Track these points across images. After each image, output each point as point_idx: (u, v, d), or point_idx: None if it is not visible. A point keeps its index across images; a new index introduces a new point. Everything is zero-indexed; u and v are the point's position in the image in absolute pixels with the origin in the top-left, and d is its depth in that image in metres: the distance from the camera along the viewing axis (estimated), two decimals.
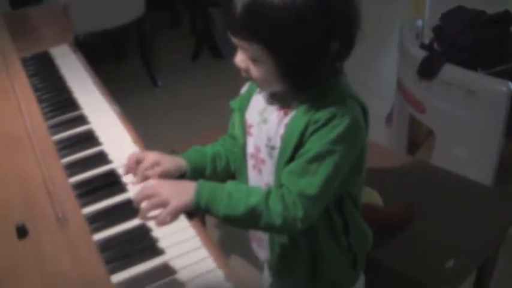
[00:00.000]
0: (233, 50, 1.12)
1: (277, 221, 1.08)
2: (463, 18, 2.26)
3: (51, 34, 1.94)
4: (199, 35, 4.08)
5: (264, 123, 1.17)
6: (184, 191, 1.10)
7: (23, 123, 1.33)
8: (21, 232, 0.98)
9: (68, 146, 1.32)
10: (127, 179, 1.20)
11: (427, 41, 2.49)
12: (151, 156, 1.20)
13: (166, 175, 1.18)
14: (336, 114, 1.07)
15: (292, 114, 1.12)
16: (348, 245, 1.24)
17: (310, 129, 1.08)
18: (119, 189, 1.17)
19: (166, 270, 0.96)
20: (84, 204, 1.11)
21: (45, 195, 1.09)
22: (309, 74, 1.06)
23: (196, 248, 1.01)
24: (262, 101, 1.19)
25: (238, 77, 1.18)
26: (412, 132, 2.66)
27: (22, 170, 1.19)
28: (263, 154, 1.19)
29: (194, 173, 1.23)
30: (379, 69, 3.80)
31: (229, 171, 1.30)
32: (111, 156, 1.28)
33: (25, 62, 1.76)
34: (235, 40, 1.07)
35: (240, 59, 1.10)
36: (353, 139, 1.10)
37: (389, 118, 2.86)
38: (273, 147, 1.16)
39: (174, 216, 1.07)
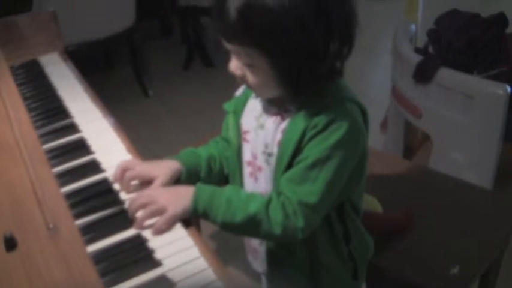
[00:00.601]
0: (224, 59, 1.09)
1: (277, 230, 1.05)
2: (458, 21, 2.24)
3: (40, 42, 1.90)
4: (190, 44, 4.07)
5: (260, 129, 1.14)
6: (182, 197, 1.07)
7: (12, 132, 1.29)
8: (10, 244, 0.93)
9: (59, 154, 1.28)
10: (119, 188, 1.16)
11: (420, 45, 2.47)
12: (142, 168, 1.17)
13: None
14: (334, 118, 1.04)
15: (289, 119, 1.10)
16: (348, 254, 1.22)
17: (309, 134, 1.05)
18: (113, 198, 1.13)
19: (164, 282, 0.92)
20: (77, 214, 1.07)
21: (35, 205, 1.05)
22: (308, 77, 1.03)
23: (195, 259, 0.97)
24: (259, 106, 1.16)
25: (230, 86, 1.16)
26: (407, 137, 2.64)
27: (11, 179, 1.15)
28: (260, 161, 1.16)
29: (189, 176, 1.20)
30: (371, 74, 3.79)
31: (224, 173, 1.27)
32: (103, 165, 1.24)
33: (14, 70, 1.72)
34: (230, 46, 1.04)
35: (235, 66, 1.07)
36: (353, 143, 1.07)
37: (384, 124, 2.85)
38: (270, 154, 1.13)
39: (171, 224, 1.03)
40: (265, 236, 1.12)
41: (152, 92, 3.68)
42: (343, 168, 1.07)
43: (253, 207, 1.06)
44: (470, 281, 1.36)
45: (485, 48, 2.18)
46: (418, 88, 2.26)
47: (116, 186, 1.16)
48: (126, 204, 1.10)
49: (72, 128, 1.40)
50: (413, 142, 2.69)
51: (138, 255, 0.97)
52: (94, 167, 1.23)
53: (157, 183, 1.14)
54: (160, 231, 1.02)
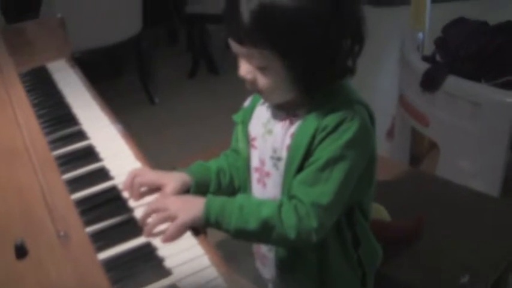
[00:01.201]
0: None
1: (292, 234, 1.05)
2: (465, 30, 2.24)
3: (48, 49, 1.91)
4: (196, 52, 4.08)
5: (268, 134, 1.14)
6: (193, 206, 1.06)
7: (22, 138, 1.29)
8: (21, 251, 0.93)
9: (68, 161, 1.28)
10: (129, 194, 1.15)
11: (428, 53, 2.47)
12: (152, 176, 1.16)
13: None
14: (344, 118, 1.04)
15: (298, 123, 1.10)
16: (357, 260, 1.21)
17: (319, 136, 1.05)
18: (123, 206, 1.12)
19: None
20: (87, 222, 1.06)
21: (45, 211, 1.04)
22: (321, 75, 1.04)
23: (205, 268, 0.96)
24: (266, 112, 1.16)
25: (235, 93, 1.16)
26: (414, 145, 2.63)
27: (21, 186, 1.14)
28: (268, 167, 1.16)
29: (198, 188, 1.19)
30: (376, 82, 3.78)
31: (233, 187, 1.26)
32: (112, 173, 1.23)
33: (22, 76, 1.72)
34: (242, 50, 1.04)
35: (246, 70, 1.07)
36: (363, 143, 1.08)
37: (390, 132, 2.84)
38: (278, 159, 1.13)
39: (181, 232, 1.03)
40: (280, 241, 1.11)
41: (158, 99, 3.69)
42: (354, 169, 1.07)
43: (265, 212, 1.05)
44: None
45: (493, 56, 2.17)
46: (426, 96, 2.25)
47: (126, 194, 1.15)
48: (136, 212, 1.09)
49: (81, 135, 1.40)
50: (420, 150, 2.68)
51: (148, 264, 0.96)
52: (103, 174, 1.23)
53: (166, 190, 1.13)
54: (170, 238, 1.01)
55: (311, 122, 1.07)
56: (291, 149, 1.10)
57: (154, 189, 1.15)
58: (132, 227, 1.05)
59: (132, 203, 1.13)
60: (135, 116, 3.39)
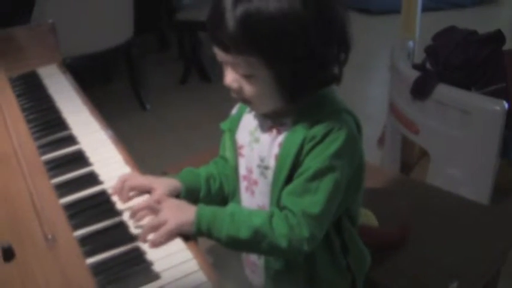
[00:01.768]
0: (221, 74, 1.09)
1: (283, 243, 1.04)
2: (456, 38, 2.25)
3: (39, 54, 1.90)
4: (188, 59, 4.08)
5: (255, 142, 1.14)
6: (184, 212, 1.06)
7: (11, 142, 1.29)
8: (8, 254, 0.92)
9: (57, 166, 1.27)
10: (118, 200, 1.15)
11: (418, 62, 2.48)
12: (142, 181, 1.16)
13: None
14: (332, 128, 1.04)
15: (285, 132, 1.10)
16: (346, 266, 1.21)
17: (307, 146, 1.05)
18: (111, 210, 1.12)
19: None
20: (75, 226, 1.06)
21: (33, 215, 1.04)
22: (307, 83, 1.04)
23: (193, 272, 0.95)
24: (253, 120, 1.16)
25: (226, 101, 1.16)
26: (404, 153, 2.64)
27: (9, 190, 1.14)
28: (255, 175, 1.16)
29: (188, 194, 1.19)
30: (367, 90, 3.80)
31: (223, 193, 1.26)
32: (101, 177, 1.23)
33: (12, 81, 1.72)
34: (227, 58, 1.03)
35: (232, 79, 1.06)
36: (351, 152, 1.08)
37: (381, 140, 2.85)
38: (266, 167, 1.13)
39: (168, 238, 1.02)
40: (271, 251, 1.11)
41: (149, 106, 3.68)
42: (343, 178, 1.07)
43: (257, 221, 1.05)
44: None
45: (483, 65, 2.18)
46: (416, 104, 2.26)
47: (115, 199, 1.15)
48: (125, 217, 1.09)
49: (71, 139, 1.39)
50: (411, 158, 2.69)
51: (136, 268, 0.96)
52: (92, 178, 1.23)
53: (156, 193, 1.13)
54: (156, 244, 1.01)
55: (299, 131, 1.07)
56: (279, 158, 1.10)
57: (144, 193, 1.15)
58: (121, 232, 1.05)
59: (120, 206, 1.13)
60: (126, 122, 3.39)
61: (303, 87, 1.04)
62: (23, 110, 1.54)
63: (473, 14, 4.87)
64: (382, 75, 3.37)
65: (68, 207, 1.12)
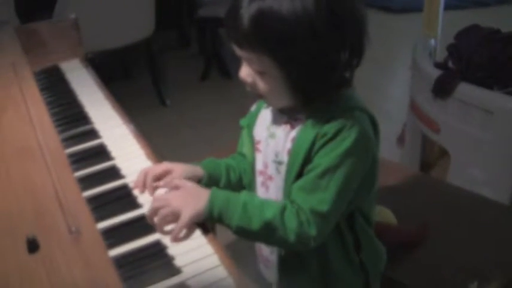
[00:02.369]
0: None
1: (291, 237, 1.05)
2: (478, 37, 2.23)
3: (62, 49, 1.92)
4: (208, 55, 4.09)
5: (271, 138, 1.15)
6: (196, 199, 1.06)
7: (35, 136, 1.30)
8: (32, 246, 0.93)
9: (80, 159, 1.29)
10: (139, 194, 1.16)
11: (440, 60, 2.46)
12: (161, 166, 1.18)
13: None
14: (343, 126, 1.04)
15: (298, 128, 1.10)
16: (359, 263, 1.21)
17: (318, 143, 1.05)
18: (133, 204, 1.13)
19: None
20: (99, 219, 1.07)
21: (57, 208, 1.05)
22: (318, 85, 1.04)
23: (214, 267, 0.96)
24: (269, 115, 1.17)
25: (246, 97, 1.16)
26: (424, 152, 2.62)
27: (34, 182, 1.15)
28: (271, 170, 1.17)
29: (210, 181, 1.21)
30: (388, 88, 3.78)
31: (242, 184, 1.27)
32: (123, 171, 1.24)
33: (36, 75, 1.73)
34: (241, 53, 1.04)
35: (246, 73, 1.07)
36: (363, 151, 1.07)
37: (401, 138, 2.83)
38: (280, 163, 1.13)
39: (188, 229, 1.03)
40: (279, 243, 1.12)
41: (169, 102, 3.70)
42: (353, 176, 1.07)
43: (268, 214, 1.05)
44: None
45: (506, 64, 2.16)
46: (437, 103, 2.24)
47: (136, 192, 1.16)
48: (146, 210, 1.10)
49: (93, 133, 1.41)
50: (431, 157, 2.67)
51: (158, 262, 0.97)
52: (114, 172, 1.24)
53: (174, 175, 1.15)
54: (177, 238, 1.02)
55: (311, 127, 1.07)
56: (291, 153, 1.10)
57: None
58: (143, 225, 1.06)
59: (142, 200, 1.14)
60: (146, 118, 3.40)
61: (313, 89, 1.04)
62: (47, 103, 1.55)
63: (497, 12, 4.82)
64: (403, 74, 3.35)
65: (91, 200, 1.13)
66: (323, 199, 1.05)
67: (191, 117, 3.51)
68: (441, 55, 2.49)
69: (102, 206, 1.11)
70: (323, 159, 1.05)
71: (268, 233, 1.06)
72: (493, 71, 2.17)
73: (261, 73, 1.05)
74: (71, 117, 1.50)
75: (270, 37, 0.98)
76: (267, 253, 1.26)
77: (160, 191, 1.15)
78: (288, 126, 1.12)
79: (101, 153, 1.32)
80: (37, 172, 1.17)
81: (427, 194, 1.69)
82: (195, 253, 0.99)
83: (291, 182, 1.10)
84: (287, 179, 1.12)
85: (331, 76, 1.03)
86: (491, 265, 1.41)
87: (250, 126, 1.21)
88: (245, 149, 1.24)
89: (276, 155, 1.14)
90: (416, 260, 1.43)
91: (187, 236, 1.03)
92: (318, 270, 1.19)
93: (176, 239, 1.02)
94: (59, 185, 1.12)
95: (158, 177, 1.17)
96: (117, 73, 4.09)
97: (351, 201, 1.10)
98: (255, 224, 1.05)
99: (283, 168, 1.13)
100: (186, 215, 1.03)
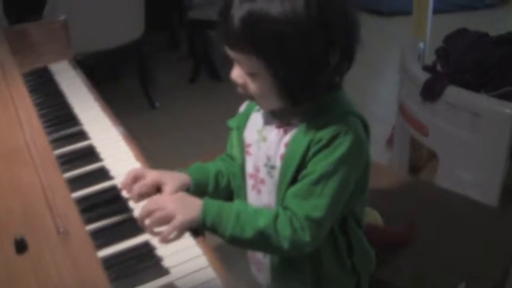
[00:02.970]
0: (231, 73, 1.09)
1: (285, 245, 1.06)
2: (467, 40, 2.25)
3: (51, 50, 1.91)
4: (198, 57, 4.08)
5: (263, 141, 1.15)
6: (190, 207, 1.07)
7: (23, 137, 1.29)
8: (21, 246, 0.93)
9: (69, 161, 1.28)
10: (128, 195, 1.16)
11: (428, 63, 2.48)
12: (152, 176, 1.16)
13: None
14: (338, 132, 1.04)
15: (292, 132, 1.10)
16: (351, 266, 1.22)
17: (313, 149, 1.06)
18: (122, 205, 1.13)
19: None
20: (87, 220, 1.06)
21: (46, 209, 1.04)
22: (307, 87, 1.04)
23: (203, 268, 0.96)
24: (261, 118, 1.17)
25: (236, 99, 1.16)
26: (413, 155, 2.63)
27: (22, 183, 1.14)
28: (262, 174, 1.17)
29: (197, 189, 1.20)
30: (376, 91, 3.80)
31: (230, 189, 1.27)
32: (112, 173, 1.24)
33: (24, 76, 1.72)
34: (232, 54, 1.05)
35: (237, 74, 1.07)
36: (357, 157, 1.08)
37: (389, 141, 2.84)
38: (272, 167, 1.13)
39: (179, 232, 1.03)
40: (273, 251, 1.12)
41: (159, 104, 3.69)
42: (348, 182, 1.07)
43: (262, 222, 1.06)
44: None
45: (494, 67, 2.18)
46: (425, 106, 2.26)
47: (125, 194, 1.16)
48: (135, 212, 1.09)
49: (82, 135, 1.40)
50: (419, 160, 2.69)
51: (146, 263, 0.96)
52: (103, 174, 1.24)
53: (167, 190, 1.13)
54: (167, 239, 1.02)
55: (305, 133, 1.07)
56: (285, 159, 1.10)
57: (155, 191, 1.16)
58: (131, 226, 1.05)
59: (131, 202, 1.13)
60: (135, 120, 3.39)
61: (301, 93, 1.04)
62: (35, 105, 1.54)
63: (485, 16, 4.85)
64: (392, 76, 3.37)
65: (80, 201, 1.13)
66: (317, 205, 1.05)
67: (180, 120, 3.50)
68: (430, 58, 2.51)
69: (91, 207, 1.11)
70: (317, 166, 1.05)
71: (261, 241, 1.06)
72: (481, 75, 2.19)
73: (251, 74, 1.05)
74: (59, 118, 1.49)
75: (259, 38, 0.99)
76: (260, 256, 1.27)
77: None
78: (281, 131, 1.12)
79: (90, 154, 1.32)
80: (26, 173, 1.17)
81: (415, 196, 1.70)
82: (183, 254, 0.99)
83: (284, 187, 1.10)
84: (280, 184, 1.12)
85: (320, 79, 1.03)
86: (479, 267, 1.42)
87: (240, 128, 1.21)
88: (234, 151, 1.23)
89: (268, 159, 1.14)
90: (403, 260, 1.43)
91: (176, 238, 1.03)
92: (311, 273, 1.20)
93: (165, 240, 1.01)
94: (48, 185, 1.11)
95: (146, 187, 1.15)
96: (106, 75, 4.07)
97: (346, 204, 1.11)
98: (248, 233, 1.05)
99: (276, 173, 1.13)
100: (180, 218, 1.03)
